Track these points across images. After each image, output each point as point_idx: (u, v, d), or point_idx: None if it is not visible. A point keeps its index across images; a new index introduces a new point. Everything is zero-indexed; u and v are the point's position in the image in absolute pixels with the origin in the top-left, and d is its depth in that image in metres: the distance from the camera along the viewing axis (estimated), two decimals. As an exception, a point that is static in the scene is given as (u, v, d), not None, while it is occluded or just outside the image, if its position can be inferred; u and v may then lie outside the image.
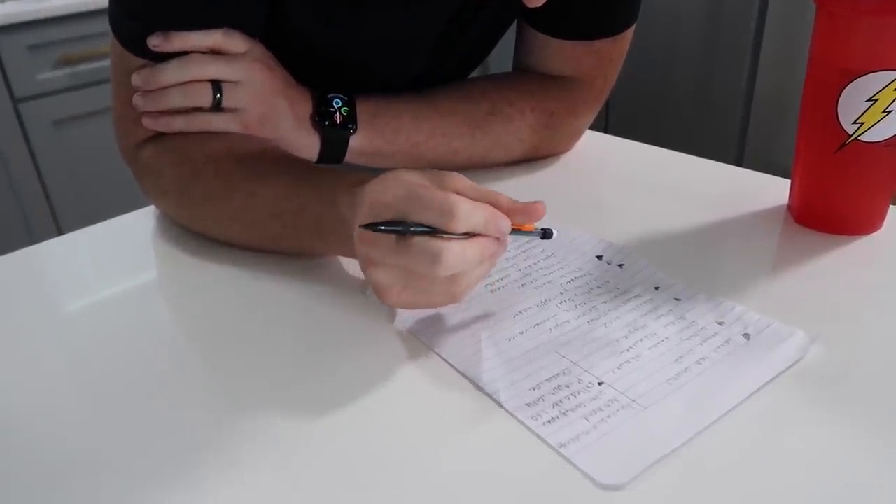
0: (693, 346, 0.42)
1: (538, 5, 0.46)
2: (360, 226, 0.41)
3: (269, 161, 0.55)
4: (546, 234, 0.46)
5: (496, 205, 0.42)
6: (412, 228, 0.40)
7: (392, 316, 0.47)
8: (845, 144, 0.50)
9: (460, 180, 0.43)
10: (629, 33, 0.66)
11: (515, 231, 0.44)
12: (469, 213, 0.40)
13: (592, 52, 0.66)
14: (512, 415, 0.38)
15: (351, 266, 0.52)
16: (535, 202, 0.44)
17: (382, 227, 0.40)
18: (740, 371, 0.40)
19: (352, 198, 0.45)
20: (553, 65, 0.67)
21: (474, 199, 0.41)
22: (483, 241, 0.41)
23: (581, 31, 0.65)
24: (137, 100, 0.56)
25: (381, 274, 0.42)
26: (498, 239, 0.42)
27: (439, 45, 0.64)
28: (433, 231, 0.39)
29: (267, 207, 0.52)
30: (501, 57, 0.77)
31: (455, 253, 0.39)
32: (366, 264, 0.43)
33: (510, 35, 0.71)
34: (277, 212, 0.51)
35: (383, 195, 0.42)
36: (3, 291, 0.54)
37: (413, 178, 0.42)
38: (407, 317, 0.46)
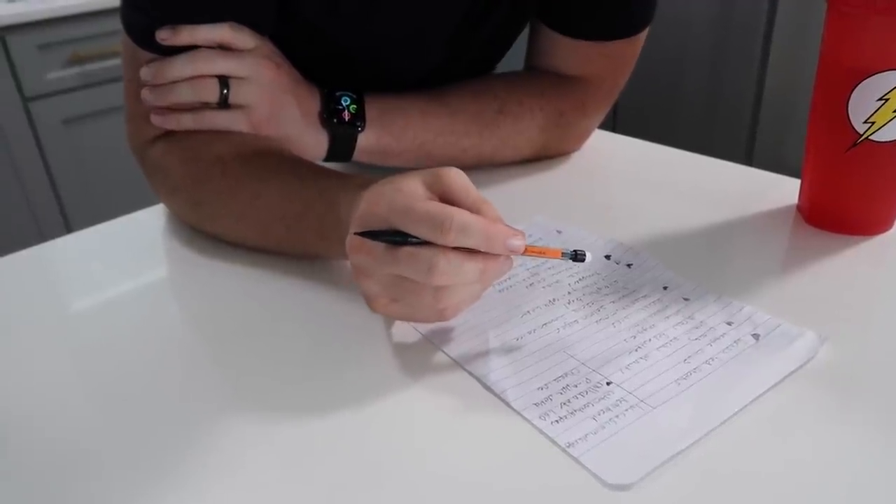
0: (702, 347, 0.42)
1: None
2: (356, 233, 0.41)
3: (276, 162, 0.55)
4: (578, 256, 0.41)
5: (478, 214, 0.39)
6: (410, 239, 0.39)
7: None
8: (856, 144, 0.50)
9: (455, 178, 0.41)
10: (643, 35, 0.66)
11: (537, 255, 0.41)
12: (465, 227, 0.38)
13: (606, 53, 0.66)
14: (520, 414, 0.38)
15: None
16: (517, 235, 0.39)
17: (380, 237, 0.39)
18: (749, 372, 0.40)
19: (351, 200, 0.45)
20: (566, 65, 0.67)
21: (462, 202, 0.40)
22: (484, 258, 0.39)
23: (597, 32, 0.64)
24: (146, 94, 0.56)
25: (371, 284, 0.41)
26: (502, 257, 0.40)
27: (451, 44, 0.64)
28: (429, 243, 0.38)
29: (272, 210, 0.52)
30: (511, 56, 0.77)
31: (450, 261, 0.38)
32: (357, 273, 0.42)
33: (520, 35, 0.71)
34: (282, 214, 0.51)
35: (377, 206, 0.40)
36: (13, 289, 0.54)
37: (410, 188, 0.40)
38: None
